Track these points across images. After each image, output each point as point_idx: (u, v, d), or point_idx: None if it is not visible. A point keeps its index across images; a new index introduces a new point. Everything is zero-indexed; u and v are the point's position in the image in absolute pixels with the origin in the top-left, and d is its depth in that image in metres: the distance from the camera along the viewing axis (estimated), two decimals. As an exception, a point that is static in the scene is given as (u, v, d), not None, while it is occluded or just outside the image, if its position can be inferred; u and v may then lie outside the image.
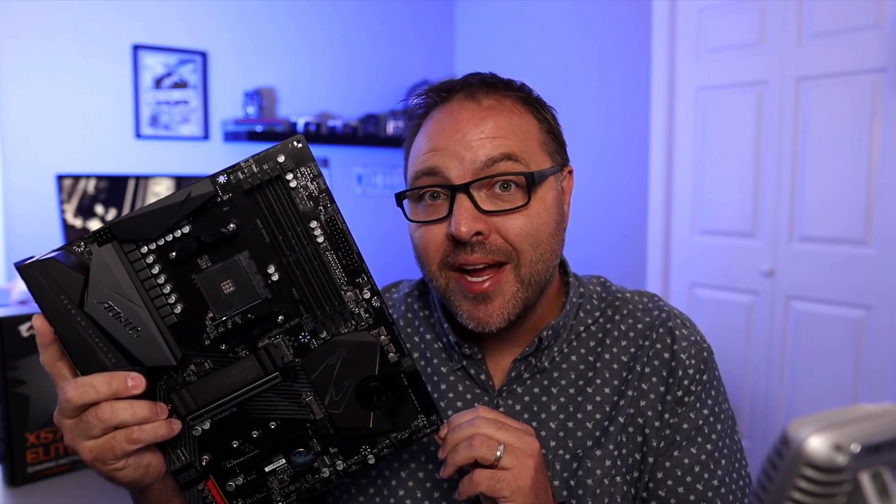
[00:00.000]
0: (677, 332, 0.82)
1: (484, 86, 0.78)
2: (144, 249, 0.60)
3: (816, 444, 0.33)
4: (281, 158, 0.61)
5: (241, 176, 0.61)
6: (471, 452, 0.64)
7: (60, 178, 2.78)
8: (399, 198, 0.78)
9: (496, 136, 0.73)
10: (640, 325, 0.83)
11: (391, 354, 0.65)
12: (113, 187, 2.89)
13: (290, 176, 0.61)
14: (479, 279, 0.73)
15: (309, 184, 0.62)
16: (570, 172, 0.83)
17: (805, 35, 2.48)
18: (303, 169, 0.61)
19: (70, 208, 2.80)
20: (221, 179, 0.60)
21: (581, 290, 0.86)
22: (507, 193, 0.73)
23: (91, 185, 2.84)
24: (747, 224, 2.70)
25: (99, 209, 2.86)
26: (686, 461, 0.77)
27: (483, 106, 0.76)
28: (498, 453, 0.63)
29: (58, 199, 2.78)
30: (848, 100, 2.38)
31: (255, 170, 0.61)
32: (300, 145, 0.61)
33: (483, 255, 0.72)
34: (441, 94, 0.78)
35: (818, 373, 2.51)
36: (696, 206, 2.87)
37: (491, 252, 0.73)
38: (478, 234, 0.72)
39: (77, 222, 2.80)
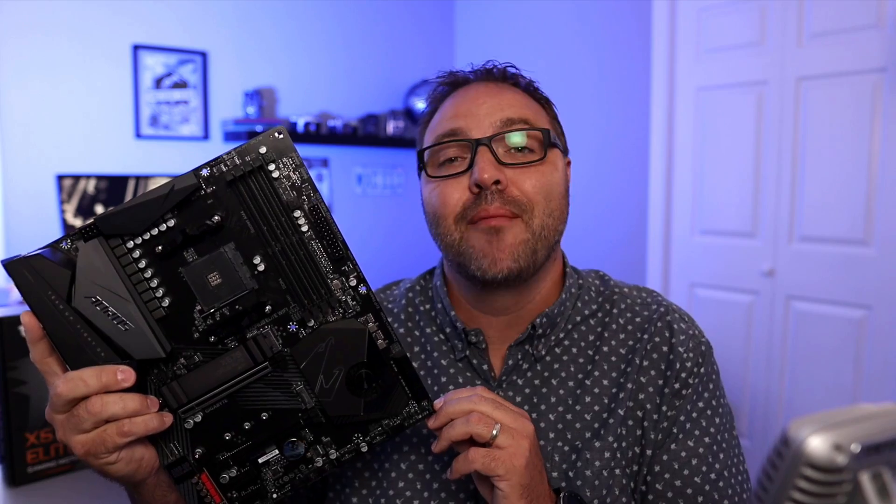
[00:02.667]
0: (675, 326, 0.82)
1: (500, 72, 0.85)
2: (130, 244, 0.60)
3: (816, 444, 0.33)
4: (263, 150, 0.61)
5: (223, 168, 0.61)
6: (467, 428, 0.64)
7: (60, 178, 2.78)
8: (419, 161, 0.83)
9: (513, 105, 0.80)
10: (638, 319, 0.84)
11: (380, 341, 0.65)
12: (113, 187, 2.89)
13: (272, 166, 0.62)
14: (495, 217, 0.76)
15: (291, 174, 0.62)
16: (569, 164, 0.87)
17: (805, 35, 2.48)
18: (285, 159, 0.62)
19: (70, 208, 2.80)
20: (204, 172, 0.61)
21: (580, 281, 0.87)
22: (522, 154, 0.78)
23: (91, 185, 2.84)
24: (747, 224, 2.70)
25: (99, 209, 2.86)
26: (683, 454, 0.77)
27: (500, 86, 0.83)
28: (494, 432, 0.64)
29: (58, 199, 2.78)
30: (848, 100, 2.38)
31: (237, 161, 0.61)
32: (281, 136, 0.62)
33: (500, 206, 0.75)
34: (460, 79, 0.85)
35: (818, 373, 2.51)
36: (696, 206, 2.87)
37: (507, 202, 0.75)
38: (497, 182, 0.75)
39: (77, 222, 2.80)
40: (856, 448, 0.32)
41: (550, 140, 0.79)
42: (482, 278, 0.77)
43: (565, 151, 0.86)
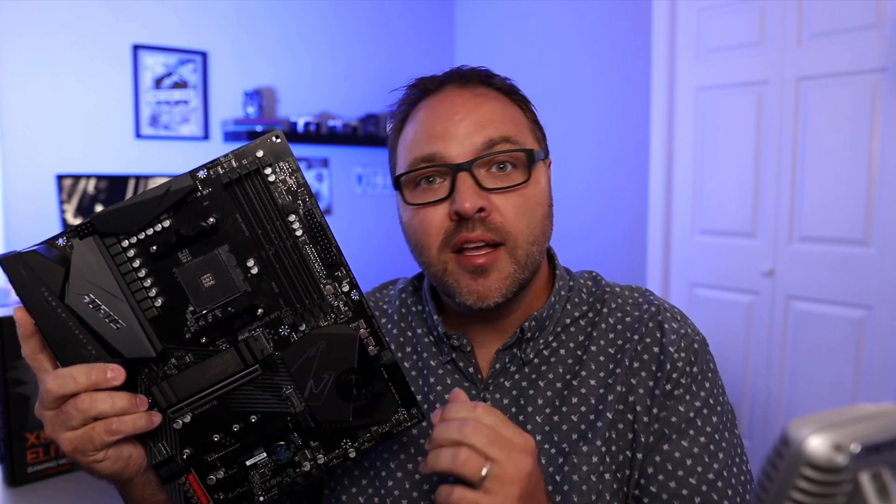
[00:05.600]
0: (666, 326, 0.80)
1: (473, 75, 0.81)
2: (125, 243, 0.61)
3: (816, 444, 0.33)
4: (259, 153, 0.62)
5: (220, 170, 0.62)
6: (453, 467, 0.60)
7: (60, 178, 2.78)
8: (396, 185, 0.79)
9: (493, 121, 0.76)
10: (628, 319, 0.82)
11: (371, 347, 0.65)
12: (113, 187, 2.89)
13: (268, 170, 0.62)
14: (478, 254, 0.74)
15: (287, 178, 0.63)
16: (549, 164, 0.84)
17: (805, 35, 2.48)
18: (281, 164, 0.62)
19: (70, 208, 2.80)
20: (201, 174, 0.62)
21: (571, 283, 0.85)
22: (505, 174, 0.75)
23: (91, 185, 2.84)
24: (747, 224, 2.70)
25: (99, 209, 2.86)
26: (677, 454, 0.75)
27: (476, 93, 0.78)
28: (483, 472, 0.59)
29: (58, 199, 2.78)
30: (848, 100, 2.38)
31: (234, 164, 0.62)
32: (279, 140, 0.62)
33: (483, 233, 0.73)
34: (431, 84, 0.80)
35: (818, 373, 2.51)
36: (696, 206, 2.87)
37: (490, 230, 0.73)
38: (480, 210, 0.72)
39: (77, 222, 2.80)
40: (856, 448, 0.32)
41: (534, 159, 0.76)
42: (470, 309, 0.76)
43: (547, 153, 0.83)
